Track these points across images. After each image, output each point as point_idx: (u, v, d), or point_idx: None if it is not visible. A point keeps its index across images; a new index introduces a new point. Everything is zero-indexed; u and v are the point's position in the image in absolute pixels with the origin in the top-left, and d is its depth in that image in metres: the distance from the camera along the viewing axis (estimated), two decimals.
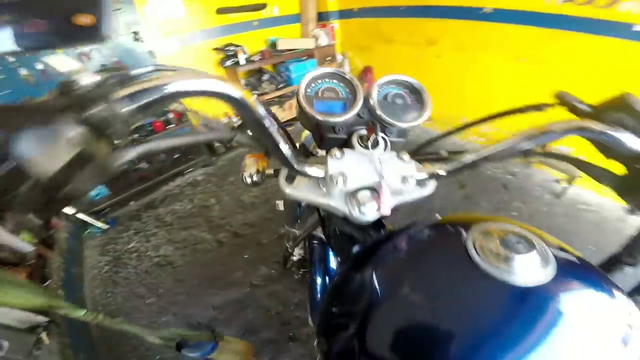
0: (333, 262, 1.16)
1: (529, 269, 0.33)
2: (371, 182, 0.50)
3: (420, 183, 0.53)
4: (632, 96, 0.44)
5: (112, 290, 2.13)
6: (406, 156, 0.52)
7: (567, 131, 0.43)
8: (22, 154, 0.22)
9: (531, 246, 0.35)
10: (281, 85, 3.49)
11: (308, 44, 3.49)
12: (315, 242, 1.20)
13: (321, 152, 0.57)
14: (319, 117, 0.51)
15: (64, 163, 0.24)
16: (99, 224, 2.52)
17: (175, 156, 3.18)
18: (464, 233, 0.41)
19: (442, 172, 0.50)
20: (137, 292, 2.10)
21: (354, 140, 0.53)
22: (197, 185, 3.00)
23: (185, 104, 2.93)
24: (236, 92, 0.35)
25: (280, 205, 1.22)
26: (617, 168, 0.47)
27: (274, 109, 3.52)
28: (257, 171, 0.83)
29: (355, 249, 0.56)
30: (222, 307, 1.94)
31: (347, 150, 0.51)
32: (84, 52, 2.52)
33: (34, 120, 0.23)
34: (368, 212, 0.49)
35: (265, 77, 3.45)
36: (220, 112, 3.45)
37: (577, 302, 0.32)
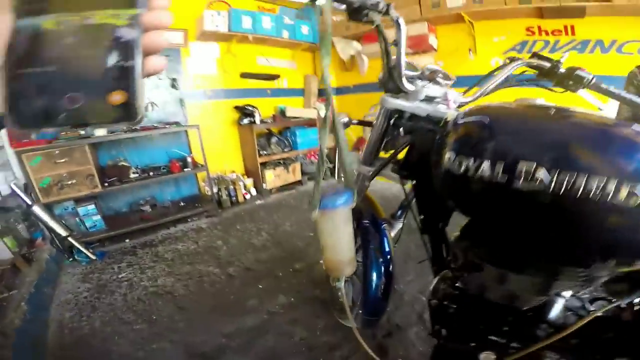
0: (386, 245, 1.20)
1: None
2: (441, 94, 0.89)
3: (459, 106, 0.90)
4: (537, 53, 0.99)
5: (88, 315, 1.72)
6: (453, 89, 0.92)
7: (524, 64, 0.96)
8: None
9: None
10: (287, 149, 3.72)
11: (311, 113, 3.88)
12: (367, 224, 1.23)
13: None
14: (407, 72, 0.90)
15: None
16: (87, 253, 2.18)
17: (182, 204, 3.03)
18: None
19: (469, 99, 0.91)
20: (124, 317, 1.69)
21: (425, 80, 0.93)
22: (201, 231, 2.75)
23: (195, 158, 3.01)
24: (402, 20, 0.79)
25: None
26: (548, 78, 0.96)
27: (279, 170, 3.64)
28: (348, 118, 1.27)
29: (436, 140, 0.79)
30: (234, 335, 1.57)
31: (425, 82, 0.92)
32: None
33: None
34: (442, 109, 0.86)
35: (274, 139, 3.68)
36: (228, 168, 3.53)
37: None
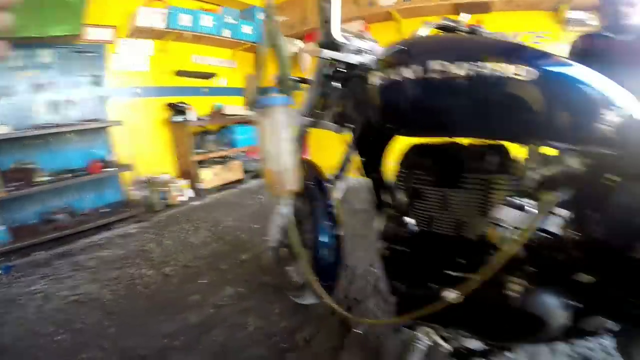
0: (332, 205, 1.27)
1: None
2: (369, 47, 1.01)
3: None
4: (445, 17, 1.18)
5: None
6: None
7: (434, 26, 1.14)
8: None
9: None
10: (225, 147, 3.64)
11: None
12: (311, 185, 1.28)
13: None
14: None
15: None
16: None
17: (105, 210, 2.73)
18: None
19: None
20: (39, 330, 1.46)
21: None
22: (130, 236, 2.51)
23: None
24: None
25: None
26: None
27: (218, 169, 3.50)
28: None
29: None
30: (176, 334, 1.44)
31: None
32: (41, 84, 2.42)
33: None
34: (370, 58, 0.96)
35: (210, 137, 3.56)
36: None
37: None
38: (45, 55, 2.44)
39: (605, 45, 1.72)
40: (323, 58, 1.03)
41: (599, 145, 0.66)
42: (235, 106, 3.81)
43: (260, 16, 3.79)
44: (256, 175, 3.88)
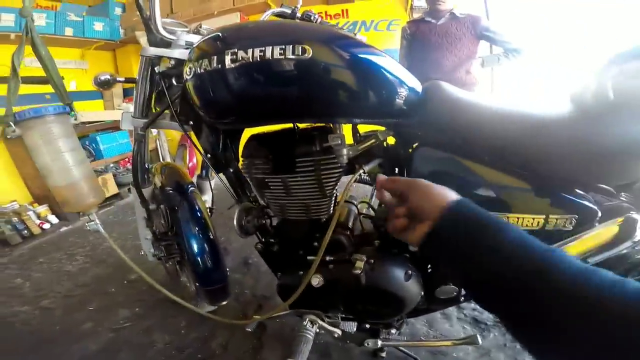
0: (197, 208, 1.20)
1: None
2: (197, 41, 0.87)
3: None
4: (282, 4, 1.19)
5: None
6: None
7: (273, 13, 1.17)
8: None
9: None
10: (91, 159, 3.24)
11: (114, 115, 3.41)
12: (170, 191, 1.20)
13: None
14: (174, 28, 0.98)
15: None
16: None
17: None
18: None
19: None
20: None
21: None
22: None
23: None
24: None
25: None
26: None
27: None
28: (110, 75, 1.14)
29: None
30: None
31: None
32: None
33: None
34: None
35: None
36: None
37: None
38: None
39: (426, 28, 2.07)
40: (146, 56, 0.98)
41: (400, 117, 0.72)
42: (93, 112, 3.51)
43: (117, 11, 3.61)
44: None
